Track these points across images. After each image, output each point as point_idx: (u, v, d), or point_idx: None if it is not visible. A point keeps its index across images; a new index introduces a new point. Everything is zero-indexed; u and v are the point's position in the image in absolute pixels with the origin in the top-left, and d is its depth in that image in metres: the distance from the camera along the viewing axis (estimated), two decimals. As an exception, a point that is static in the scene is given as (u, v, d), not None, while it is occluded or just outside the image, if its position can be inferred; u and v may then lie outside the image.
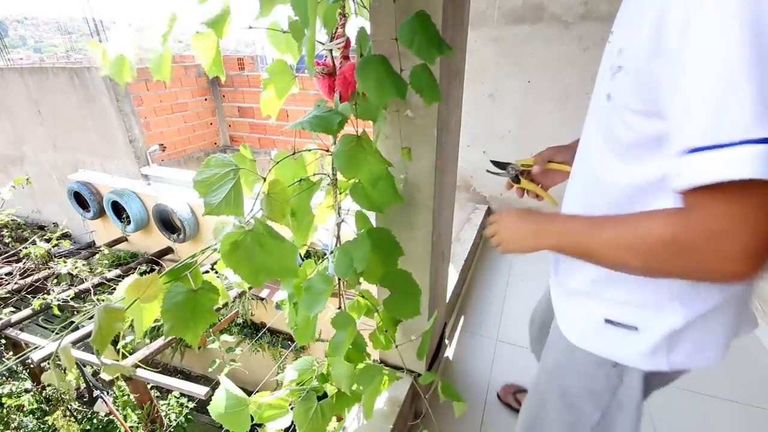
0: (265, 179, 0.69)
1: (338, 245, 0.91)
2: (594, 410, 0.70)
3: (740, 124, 0.37)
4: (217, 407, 0.74)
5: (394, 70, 0.70)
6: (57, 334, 3.37)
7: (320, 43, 0.81)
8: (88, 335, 2.85)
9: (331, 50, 0.80)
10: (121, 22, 0.65)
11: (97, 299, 3.31)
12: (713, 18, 0.38)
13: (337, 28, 0.79)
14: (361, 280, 0.83)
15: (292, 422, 0.84)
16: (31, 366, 2.80)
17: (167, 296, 0.61)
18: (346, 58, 0.83)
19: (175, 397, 3.46)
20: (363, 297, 0.92)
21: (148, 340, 2.85)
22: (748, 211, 0.39)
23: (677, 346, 0.59)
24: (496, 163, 0.96)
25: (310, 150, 0.84)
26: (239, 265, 0.61)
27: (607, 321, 0.64)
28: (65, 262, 3.63)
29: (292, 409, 0.84)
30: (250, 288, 3.21)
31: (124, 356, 2.68)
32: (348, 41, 0.82)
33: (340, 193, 0.88)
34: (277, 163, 0.75)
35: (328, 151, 0.84)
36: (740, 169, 0.37)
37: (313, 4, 0.58)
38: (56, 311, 3.15)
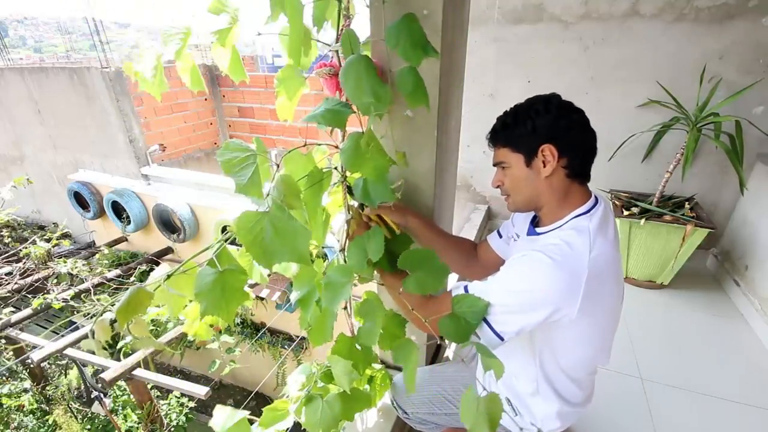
0: (278, 165, 0.70)
1: (347, 242, 0.91)
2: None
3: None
4: None
5: (376, 75, 0.70)
6: (57, 334, 3.37)
7: (326, 44, 0.81)
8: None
9: (337, 51, 0.80)
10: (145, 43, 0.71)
11: (97, 299, 3.30)
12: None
13: (342, 29, 0.79)
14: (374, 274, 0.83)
15: (294, 423, 0.84)
16: (31, 366, 2.80)
17: (198, 279, 0.63)
18: None
19: (176, 397, 3.46)
20: (380, 285, 0.94)
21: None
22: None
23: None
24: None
25: (320, 144, 0.84)
26: (252, 244, 0.61)
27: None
28: (65, 262, 3.63)
29: (297, 416, 0.84)
30: (253, 286, 3.21)
31: (125, 355, 2.68)
32: None
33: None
34: (289, 152, 0.75)
35: (337, 147, 0.85)
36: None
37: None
38: (56, 306, 3.15)
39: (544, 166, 0.82)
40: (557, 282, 0.73)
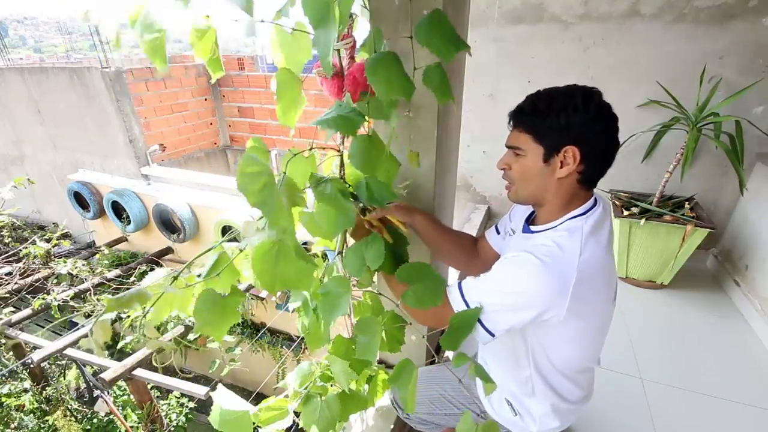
0: (285, 172, 0.70)
1: (345, 246, 0.91)
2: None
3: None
4: (218, 419, 0.75)
5: (404, 71, 0.70)
6: (55, 332, 3.37)
7: None
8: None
9: (339, 50, 0.80)
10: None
11: (97, 299, 3.30)
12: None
13: (345, 28, 0.79)
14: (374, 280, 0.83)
15: (293, 423, 0.84)
16: (31, 366, 2.80)
17: (200, 300, 0.68)
18: (352, 58, 0.83)
19: (176, 397, 3.46)
20: (379, 294, 0.93)
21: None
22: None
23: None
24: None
25: (324, 147, 0.84)
26: (263, 272, 0.65)
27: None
28: (65, 262, 3.63)
29: (296, 414, 0.84)
30: (248, 289, 3.20)
31: (126, 355, 2.68)
32: (354, 42, 0.82)
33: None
34: (294, 155, 0.75)
35: (338, 151, 0.85)
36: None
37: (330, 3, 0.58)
38: (56, 313, 3.15)
39: (561, 167, 0.77)
40: (545, 284, 0.73)
